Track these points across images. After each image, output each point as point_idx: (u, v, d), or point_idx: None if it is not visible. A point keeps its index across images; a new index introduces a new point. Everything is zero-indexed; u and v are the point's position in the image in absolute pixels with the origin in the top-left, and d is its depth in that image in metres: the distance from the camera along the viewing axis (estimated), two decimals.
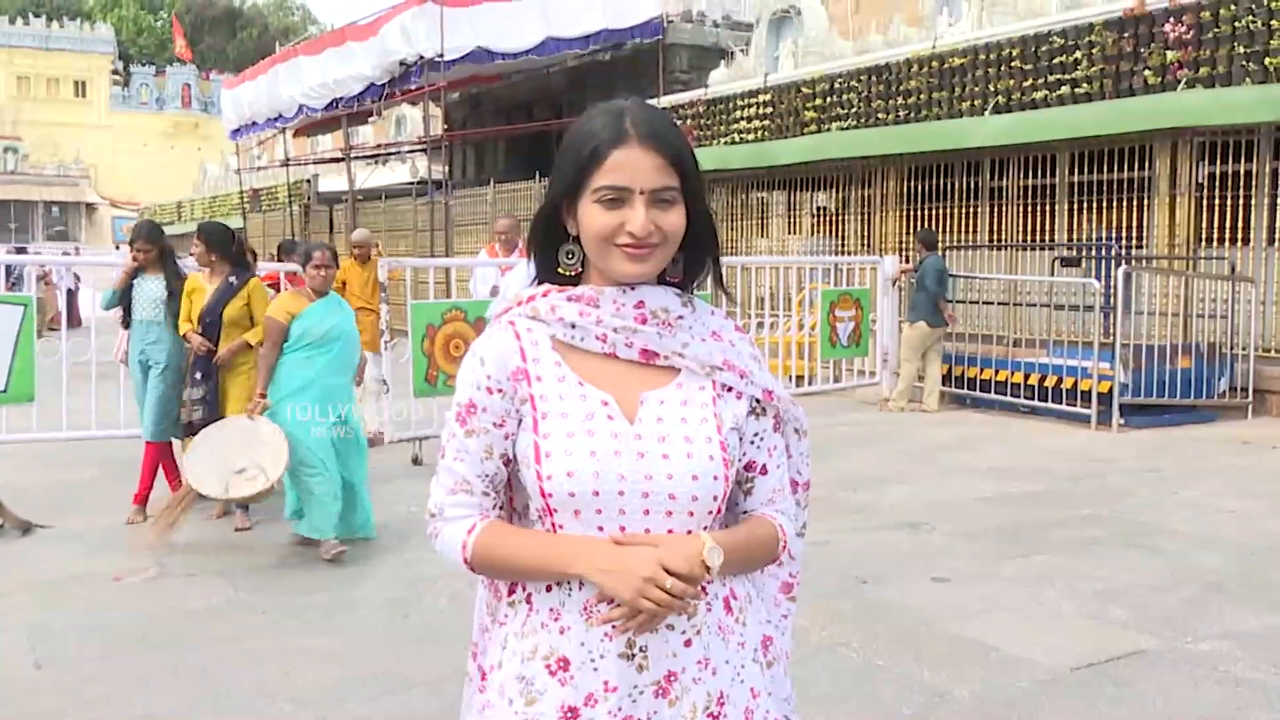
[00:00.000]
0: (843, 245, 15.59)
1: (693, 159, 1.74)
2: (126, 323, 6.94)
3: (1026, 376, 11.06)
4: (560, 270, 1.77)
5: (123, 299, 6.81)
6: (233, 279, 6.62)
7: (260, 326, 6.29)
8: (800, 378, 12.25)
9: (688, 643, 1.70)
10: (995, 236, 13.67)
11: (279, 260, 10.07)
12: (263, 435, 5.70)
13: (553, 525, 1.71)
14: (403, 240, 22.72)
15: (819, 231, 16.27)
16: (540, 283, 1.81)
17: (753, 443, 1.80)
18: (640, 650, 1.68)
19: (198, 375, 6.48)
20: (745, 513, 1.84)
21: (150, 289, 6.75)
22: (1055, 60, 12.64)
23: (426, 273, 11.98)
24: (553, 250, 1.78)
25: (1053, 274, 12.55)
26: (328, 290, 6.07)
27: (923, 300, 11.35)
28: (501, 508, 1.82)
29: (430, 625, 4.87)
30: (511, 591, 1.80)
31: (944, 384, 11.89)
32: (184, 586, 5.42)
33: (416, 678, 4.27)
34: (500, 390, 1.74)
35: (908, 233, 14.37)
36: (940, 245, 13.71)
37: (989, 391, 11.43)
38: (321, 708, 3.99)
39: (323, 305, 5.99)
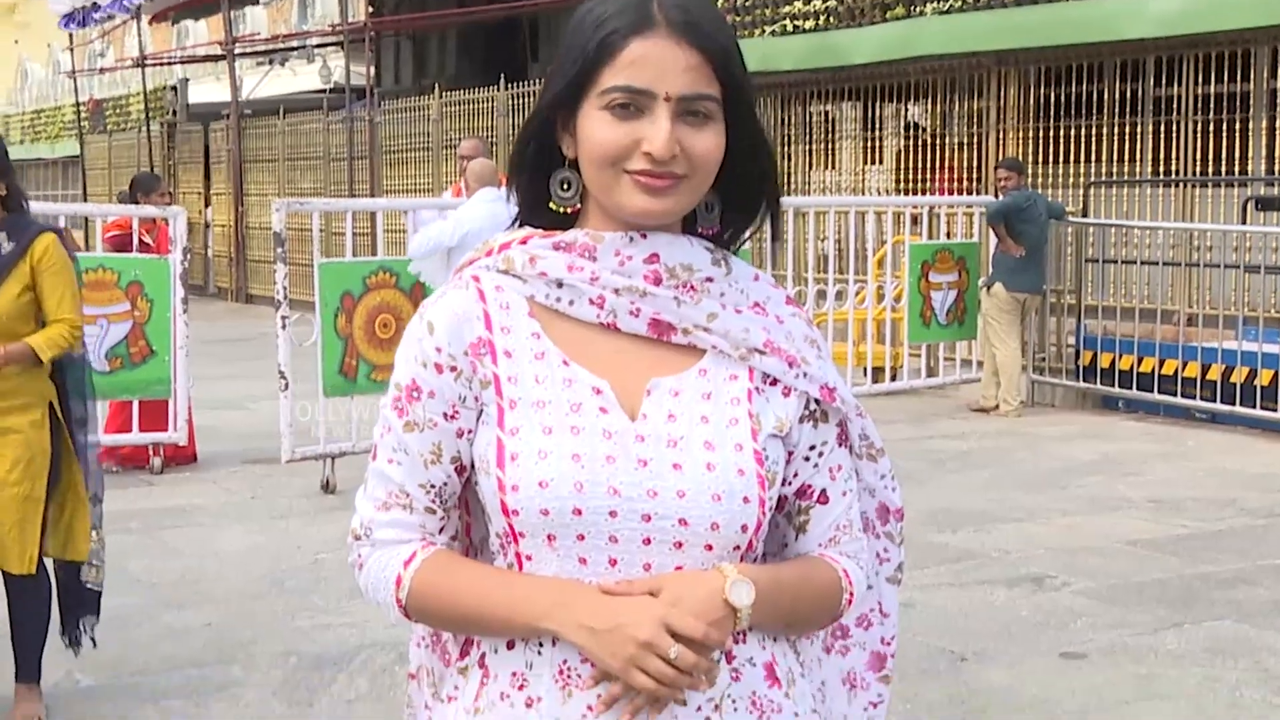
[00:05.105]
0: (943, 179, 15.64)
1: (741, 63, 1.78)
2: None
3: (1206, 369, 11.11)
4: (552, 206, 1.82)
5: None
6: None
7: (60, 329, 4.79)
8: (879, 370, 12.32)
9: None
10: (1162, 168, 13.70)
11: (134, 200, 10.14)
12: None
13: (518, 557, 1.77)
14: (309, 173, 22.81)
15: (908, 160, 16.31)
16: (521, 225, 1.86)
17: (808, 459, 1.85)
18: None
19: None
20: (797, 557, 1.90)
21: None
22: None
23: (342, 219, 12.05)
24: (543, 179, 1.83)
25: (1244, 221, 12.57)
26: None
27: (1005, 252, 11.67)
28: (455, 536, 1.88)
29: (343, 717, 4.96)
30: (464, 654, 1.86)
31: (1086, 378, 11.96)
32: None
33: None
34: (454, 368, 1.79)
35: (1037, 160, 14.41)
36: (1084, 180, 13.77)
37: (1150, 390, 11.46)
38: None
39: None
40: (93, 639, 5.07)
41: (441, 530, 1.84)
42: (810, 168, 17.20)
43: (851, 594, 1.87)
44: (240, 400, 11.92)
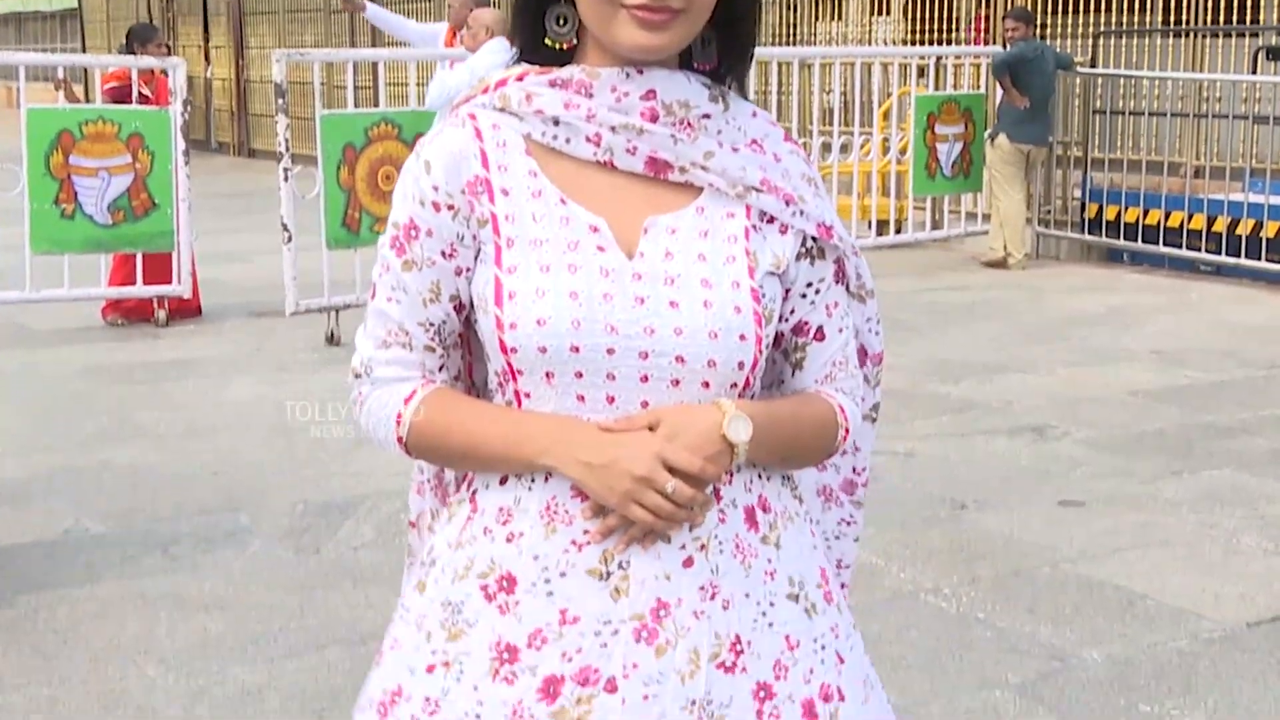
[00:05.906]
0: (950, 30, 15.46)
1: None
2: None
3: (1211, 221, 11.05)
4: (548, 42, 1.80)
5: None
6: None
7: None
8: (884, 223, 12.25)
9: (688, 561, 1.75)
10: (1172, 18, 13.52)
11: (130, 52, 10.01)
12: None
13: (516, 395, 1.78)
14: (309, 27, 22.53)
15: (915, 10, 16.10)
16: (519, 63, 1.84)
17: (804, 296, 1.85)
18: (619, 568, 1.73)
19: None
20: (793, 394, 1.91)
21: None
22: None
23: (343, 71, 11.95)
24: (541, 16, 1.80)
25: (1254, 71, 12.44)
26: None
27: (1010, 104, 11.56)
28: (458, 377, 1.89)
29: (349, 563, 5.02)
30: (457, 490, 1.89)
31: (1091, 231, 11.92)
32: (10, 512, 5.58)
33: (330, 633, 4.41)
34: (452, 206, 1.78)
35: (1045, 10, 14.22)
36: (1092, 30, 13.61)
37: (1155, 242, 11.43)
38: (201, 674, 4.14)
39: None
40: None
41: (441, 368, 1.84)
42: (816, 19, 16.99)
43: (847, 429, 1.89)
44: (244, 254, 11.88)
